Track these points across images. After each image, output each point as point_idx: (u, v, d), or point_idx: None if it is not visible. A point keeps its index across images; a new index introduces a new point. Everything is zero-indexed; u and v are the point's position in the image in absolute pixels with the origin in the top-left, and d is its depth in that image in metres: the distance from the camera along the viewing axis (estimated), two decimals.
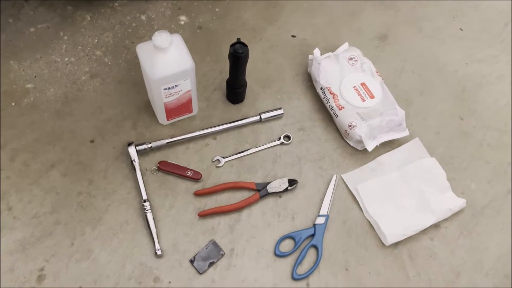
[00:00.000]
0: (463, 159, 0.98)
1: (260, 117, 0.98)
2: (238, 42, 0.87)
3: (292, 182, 0.91)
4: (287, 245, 0.87)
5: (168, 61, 0.80)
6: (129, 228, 0.87)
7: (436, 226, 0.89)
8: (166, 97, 0.86)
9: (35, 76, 1.02)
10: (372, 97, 0.98)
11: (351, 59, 1.02)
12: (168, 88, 0.84)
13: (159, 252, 0.83)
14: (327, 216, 0.89)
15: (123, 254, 0.84)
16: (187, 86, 0.87)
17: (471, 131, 1.02)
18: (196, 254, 0.85)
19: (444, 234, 0.89)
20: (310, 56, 1.04)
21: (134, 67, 1.04)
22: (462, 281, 0.85)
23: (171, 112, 0.92)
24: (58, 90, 1.00)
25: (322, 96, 1.00)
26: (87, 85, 1.01)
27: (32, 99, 0.99)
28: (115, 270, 0.83)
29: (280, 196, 0.92)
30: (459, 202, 0.91)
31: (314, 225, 0.89)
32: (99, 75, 1.03)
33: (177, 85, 0.85)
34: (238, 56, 0.87)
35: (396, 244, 0.87)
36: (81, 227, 0.86)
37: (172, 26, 1.11)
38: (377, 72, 1.02)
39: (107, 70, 1.04)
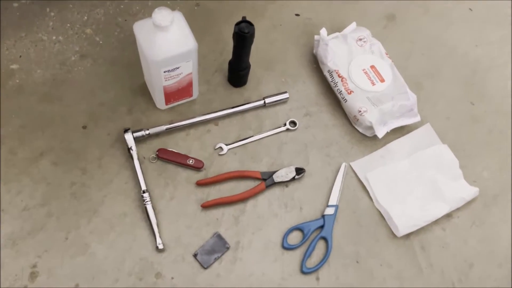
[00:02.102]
0: (474, 145, 0.94)
1: (264, 102, 0.93)
2: (244, 20, 0.81)
3: (299, 170, 0.87)
4: (295, 237, 0.83)
5: (169, 41, 0.74)
6: (127, 220, 0.81)
7: (448, 215, 0.86)
8: (166, 80, 0.80)
9: (20, 56, 0.94)
10: (382, 80, 0.93)
11: (360, 39, 0.97)
12: (168, 71, 0.78)
13: (160, 246, 0.78)
14: (336, 207, 0.85)
15: (122, 248, 0.79)
16: (188, 69, 0.80)
17: (482, 116, 0.98)
18: (200, 248, 0.80)
19: (456, 223, 0.86)
20: (316, 37, 0.98)
21: (127, 47, 0.96)
22: (475, 272, 0.83)
23: (170, 96, 0.86)
24: (46, 71, 0.93)
25: (329, 79, 0.94)
26: (77, 66, 0.94)
27: (17, 81, 0.91)
28: (113, 266, 0.77)
29: (286, 186, 0.87)
30: (472, 191, 0.87)
31: (323, 216, 0.84)
32: (90, 55, 0.95)
33: (178, 68, 0.78)
34: (243, 36, 0.80)
35: (407, 235, 0.84)
36: (75, 220, 0.80)
37: (168, 2, 1.04)
38: (386, 54, 0.97)
39: (99, 50, 0.96)
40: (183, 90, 0.86)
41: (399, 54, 1.02)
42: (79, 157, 0.85)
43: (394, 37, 1.05)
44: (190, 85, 0.85)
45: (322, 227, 0.84)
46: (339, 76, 0.93)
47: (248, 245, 0.81)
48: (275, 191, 0.86)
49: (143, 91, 0.92)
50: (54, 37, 0.96)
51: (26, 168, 0.83)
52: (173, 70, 0.78)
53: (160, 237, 0.79)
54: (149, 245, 0.79)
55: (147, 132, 0.86)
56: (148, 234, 0.80)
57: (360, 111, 0.89)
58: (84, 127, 0.88)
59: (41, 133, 0.87)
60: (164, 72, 0.78)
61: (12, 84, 0.91)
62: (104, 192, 0.83)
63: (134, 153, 0.84)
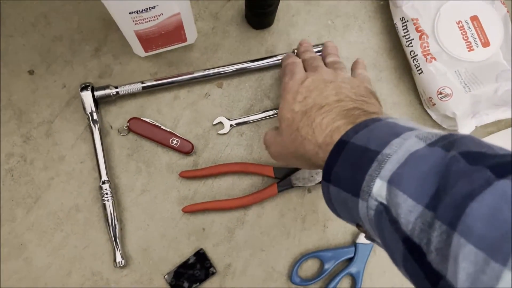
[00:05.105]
0: None
1: None
2: None
3: None
4: (310, 268, 0.59)
5: None
6: (80, 217, 0.58)
7: None
8: (136, 24, 0.50)
9: None
10: (486, 44, 0.59)
11: None
12: (137, 12, 0.48)
13: (120, 263, 0.56)
14: None
15: (69, 256, 0.57)
16: (172, 8, 0.50)
17: None
18: (175, 268, 0.57)
19: None
20: None
21: None
22: None
23: (149, 42, 0.56)
24: None
25: (401, 32, 0.61)
26: None
27: None
28: (55, 279, 0.57)
29: (309, 191, 0.60)
30: None
31: (356, 243, 0.59)
32: None
33: (153, 7, 0.48)
34: None
35: None
36: (9, 209, 0.58)
37: None
38: None
39: None
40: (169, 35, 0.56)
41: None
42: (20, 118, 0.60)
43: None
44: (179, 28, 0.55)
45: (351, 259, 0.58)
46: (417, 30, 0.59)
47: (241, 272, 0.58)
48: (292, 197, 0.60)
49: None
50: None
51: None
52: (144, 11, 0.48)
53: (121, 248, 0.56)
54: (106, 255, 0.58)
55: (114, 90, 0.58)
56: (107, 240, 0.58)
57: (440, 94, 0.57)
58: (31, 72, 0.61)
59: None
60: (131, 13, 0.48)
61: None
62: (52, 172, 0.59)
63: (95, 123, 0.58)
